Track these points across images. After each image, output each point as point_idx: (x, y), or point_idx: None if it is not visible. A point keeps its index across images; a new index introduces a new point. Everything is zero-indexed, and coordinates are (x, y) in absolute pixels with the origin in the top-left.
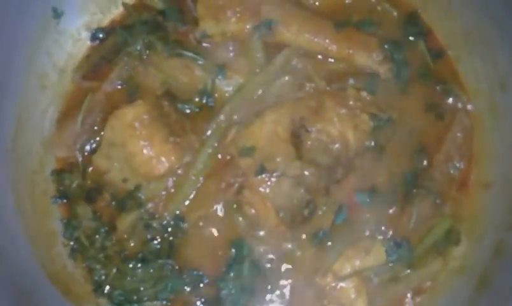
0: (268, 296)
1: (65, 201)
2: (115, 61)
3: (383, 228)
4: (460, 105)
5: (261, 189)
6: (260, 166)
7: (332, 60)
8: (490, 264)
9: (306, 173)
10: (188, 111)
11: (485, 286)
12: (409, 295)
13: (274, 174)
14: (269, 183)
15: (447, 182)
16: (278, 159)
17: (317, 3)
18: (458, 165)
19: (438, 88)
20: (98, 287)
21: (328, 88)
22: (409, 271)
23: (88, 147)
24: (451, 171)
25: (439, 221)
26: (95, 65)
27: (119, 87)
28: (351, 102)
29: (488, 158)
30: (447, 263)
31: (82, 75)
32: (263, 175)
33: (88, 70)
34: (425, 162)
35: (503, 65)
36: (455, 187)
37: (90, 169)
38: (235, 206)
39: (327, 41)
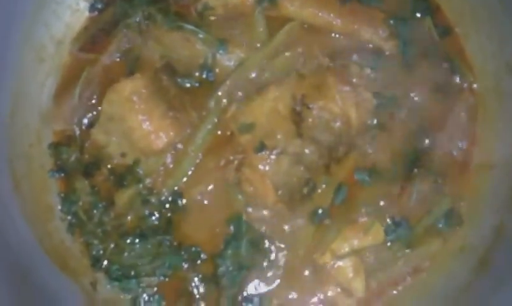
0: (266, 274)
1: (62, 175)
2: (114, 33)
3: (382, 207)
4: (465, 84)
5: (260, 166)
6: (259, 143)
7: (336, 36)
8: (490, 246)
9: (306, 150)
10: (187, 85)
11: (484, 268)
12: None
13: (274, 152)
14: (268, 160)
15: (448, 161)
16: (278, 136)
17: None
18: (460, 145)
19: (444, 65)
20: (96, 262)
21: (331, 64)
22: (407, 251)
23: (86, 121)
24: (453, 151)
25: (439, 201)
26: (94, 37)
27: (117, 59)
28: (354, 80)
29: (490, 139)
30: (446, 244)
31: (80, 47)
32: (263, 152)
33: (86, 42)
34: (427, 141)
35: (510, 46)
36: (456, 168)
37: (88, 143)
38: (234, 183)
39: (331, 15)
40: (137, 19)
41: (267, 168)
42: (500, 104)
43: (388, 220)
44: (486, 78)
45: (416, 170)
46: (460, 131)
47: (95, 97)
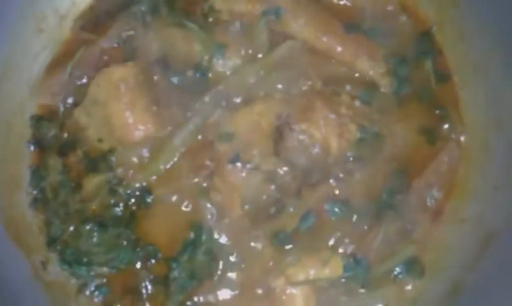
0: (216, 286)
1: (38, 148)
2: (117, 18)
3: (345, 242)
4: (453, 135)
5: (232, 178)
6: (235, 154)
7: (334, 62)
8: (445, 303)
9: (280, 171)
10: (177, 83)
11: None
12: None
13: (248, 166)
14: (241, 173)
15: (421, 209)
16: (255, 151)
17: (341, 2)
18: (436, 194)
19: (436, 112)
20: (52, 242)
21: (323, 89)
22: (362, 290)
23: (71, 100)
24: (428, 200)
25: (403, 247)
26: (97, 18)
27: (116, 45)
28: (342, 109)
29: (467, 193)
30: (401, 292)
31: (82, 25)
32: (237, 164)
33: (89, 21)
34: (403, 185)
35: (504, 106)
36: (428, 216)
37: (69, 122)
38: (203, 189)
39: (334, 41)
40: (143, 8)
41: (238, 181)
42: (484, 161)
43: (349, 256)
44: (474, 132)
45: (387, 211)
46: (438, 180)
47: (85, 77)
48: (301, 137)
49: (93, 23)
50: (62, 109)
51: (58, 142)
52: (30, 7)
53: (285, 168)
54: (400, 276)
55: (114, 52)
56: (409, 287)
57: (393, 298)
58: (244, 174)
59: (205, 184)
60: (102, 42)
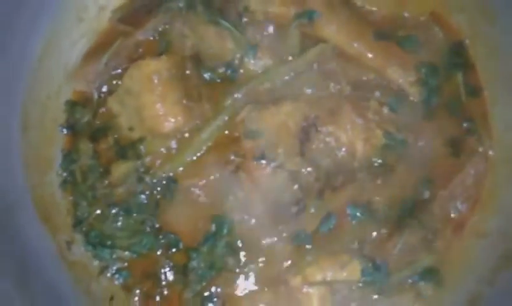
0: (234, 280)
1: (71, 132)
2: (155, 12)
3: (365, 247)
4: (480, 148)
5: (256, 174)
6: (261, 152)
7: (364, 68)
8: None
9: (304, 171)
10: (209, 78)
11: None
12: None
13: (272, 164)
14: (265, 170)
15: (444, 220)
16: (280, 150)
17: (373, 8)
18: (460, 207)
19: (464, 124)
20: (78, 223)
21: (351, 93)
22: (376, 296)
23: (105, 88)
24: (452, 211)
25: (423, 256)
26: (135, 11)
27: (151, 38)
28: (369, 114)
29: (491, 208)
30: (417, 301)
31: (120, 17)
32: (262, 161)
33: (127, 14)
34: (427, 195)
35: None
36: (450, 228)
37: (103, 109)
38: (228, 184)
39: (364, 47)
40: (180, 4)
41: (262, 178)
42: (510, 176)
43: (368, 261)
44: (502, 148)
45: (409, 220)
46: (463, 192)
47: (120, 68)
48: (327, 139)
49: (130, 16)
50: (96, 96)
51: (90, 128)
52: None
53: (309, 169)
54: (417, 285)
55: (149, 45)
56: (425, 297)
57: None
58: (268, 172)
59: (229, 178)
60: (138, 34)
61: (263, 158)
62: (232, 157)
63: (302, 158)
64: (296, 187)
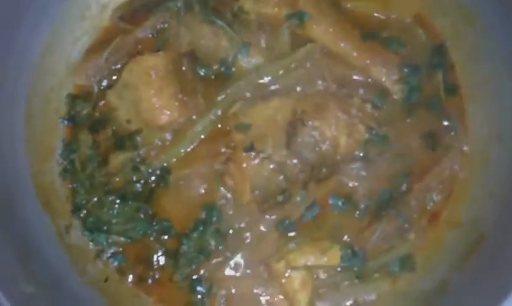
0: (221, 263)
1: (71, 124)
2: (154, 11)
3: (345, 234)
4: (456, 144)
5: (245, 165)
6: (250, 144)
7: (350, 67)
8: (432, 299)
9: (290, 162)
10: (203, 74)
11: None
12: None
13: (261, 155)
14: (253, 161)
15: (419, 210)
16: (268, 142)
17: (361, 10)
18: (435, 198)
19: (442, 121)
20: (76, 209)
21: (336, 91)
22: (356, 281)
23: (105, 82)
24: (427, 203)
25: (399, 244)
26: (135, 10)
27: (149, 35)
28: (353, 111)
29: (465, 199)
30: (394, 285)
31: (120, 15)
32: (251, 153)
33: (127, 12)
34: (404, 187)
35: (506, 121)
36: (425, 218)
37: (102, 102)
38: (218, 174)
39: (351, 47)
40: (178, 4)
41: (250, 168)
42: (483, 170)
43: (347, 247)
44: (477, 142)
45: (387, 210)
46: (439, 185)
47: (120, 63)
48: (313, 133)
49: (130, 14)
50: (96, 90)
51: (90, 120)
52: None
53: (295, 161)
54: (393, 270)
55: (147, 42)
56: (400, 282)
57: (386, 291)
58: (256, 163)
59: (220, 169)
60: (137, 32)
61: (251, 149)
62: (223, 149)
63: (289, 150)
64: (282, 177)
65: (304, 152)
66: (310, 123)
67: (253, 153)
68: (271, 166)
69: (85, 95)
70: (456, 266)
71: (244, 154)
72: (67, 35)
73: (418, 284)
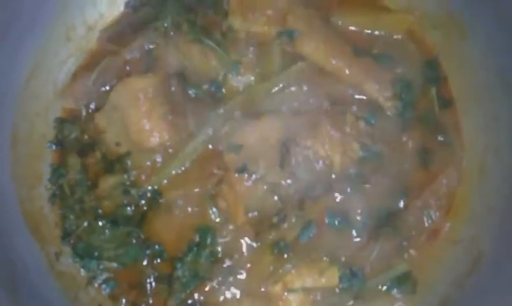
0: (217, 287)
1: (59, 148)
2: (141, 32)
3: (343, 254)
4: (453, 159)
5: (238, 186)
6: (242, 165)
7: (342, 84)
8: None
9: (284, 183)
10: (193, 95)
11: None
12: None
13: (253, 176)
14: (246, 183)
15: (418, 228)
16: (261, 163)
17: (352, 28)
18: (433, 215)
19: (438, 136)
20: (66, 235)
21: (329, 108)
22: (351, 302)
23: (93, 105)
24: (425, 220)
25: (398, 263)
26: (122, 31)
27: (138, 56)
28: (347, 128)
29: (463, 215)
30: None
31: (108, 37)
32: (244, 174)
33: (114, 33)
34: (402, 204)
35: (501, 131)
36: (424, 235)
37: (91, 125)
38: (211, 195)
39: (342, 63)
40: (166, 24)
41: (243, 190)
42: (481, 182)
43: (345, 267)
44: (474, 155)
45: (384, 228)
46: (437, 201)
47: (108, 85)
48: (306, 152)
49: (118, 35)
50: (84, 113)
51: (78, 143)
52: (62, 17)
53: (289, 181)
54: (392, 290)
55: (136, 63)
56: (400, 303)
57: None
58: (249, 184)
59: (213, 191)
60: (125, 53)
61: (244, 170)
62: (215, 171)
63: (282, 170)
64: (276, 198)
65: (298, 172)
66: (303, 142)
67: (246, 175)
68: (265, 187)
69: (73, 119)
70: (458, 284)
71: (237, 175)
72: (53, 57)
73: (417, 302)
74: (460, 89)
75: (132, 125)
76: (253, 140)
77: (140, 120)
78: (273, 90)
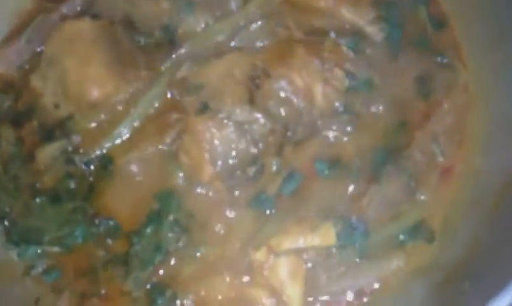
0: (185, 262)
1: None
2: None
3: (338, 206)
4: (457, 81)
5: (201, 132)
6: (202, 104)
7: (315, 14)
8: (462, 263)
9: (256, 121)
10: (143, 43)
11: (446, 287)
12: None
13: (218, 116)
14: (209, 124)
15: (428, 164)
16: (225, 99)
17: None
18: (444, 148)
19: (435, 59)
20: None
21: (303, 38)
22: (358, 260)
23: (27, 66)
24: (435, 155)
25: (408, 209)
26: None
27: (78, 8)
28: (325, 54)
29: (479, 143)
30: (409, 261)
31: None
32: (206, 114)
33: None
34: (402, 139)
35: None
36: (436, 173)
37: (25, 91)
38: (171, 152)
39: None
40: None
41: (207, 134)
42: (493, 104)
43: (343, 221)
44: (481, 75)
45: (385, 169)
46: (445, 131)
47: (44, 44)
48: (280, 83)
49: None
50: (18, 80)
51: (12, 113)
52: None
53: (261, 119)
54: (405, 243)
55: (75, 17)
56: (417, 256)
57: (399, 269)
58: (213, 125)
59: (173, 146)
60: (63, 8)
61: (205, 110)
62: (174, 117)
63: (252, 107)
64: (248, 138)
65: (271, 108)
66: (275, 72)
67: (209, 115)
68: (233, 128)
69: (6, 87)
70: (488, 219)
71: (198, 118)
72: None
73: (439, 254)
74: (454, 4)
75: (68, 76)
76: (216, 78)
77: (77, 68)
78: (235, 29)
